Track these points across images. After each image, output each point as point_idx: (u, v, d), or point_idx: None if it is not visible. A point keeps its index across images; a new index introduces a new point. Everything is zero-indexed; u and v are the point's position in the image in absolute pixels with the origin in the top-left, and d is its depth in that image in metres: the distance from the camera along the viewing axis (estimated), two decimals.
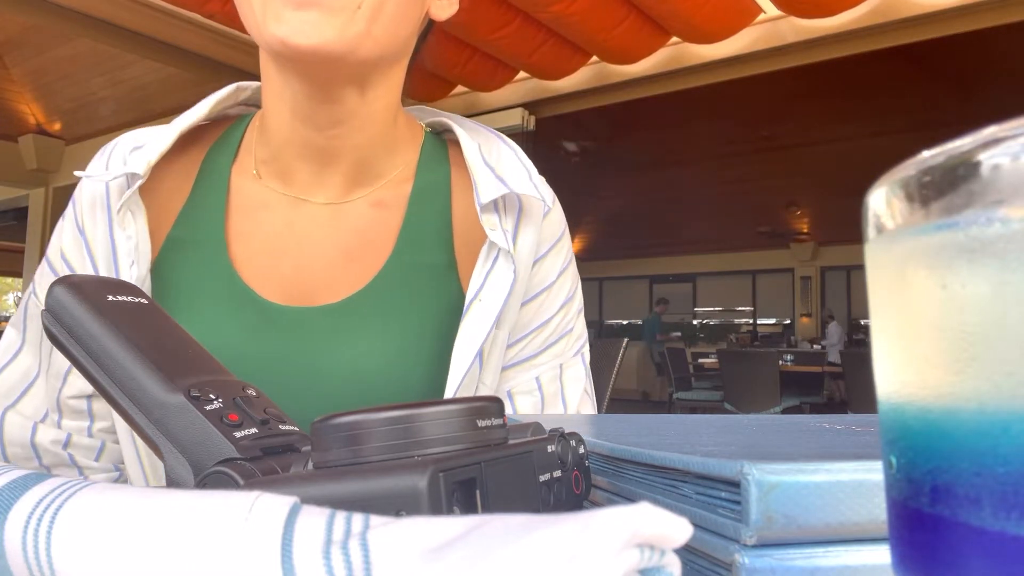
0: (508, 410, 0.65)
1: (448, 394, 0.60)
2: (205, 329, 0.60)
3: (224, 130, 0.68)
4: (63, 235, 0.66)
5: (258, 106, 0.69)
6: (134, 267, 0.60)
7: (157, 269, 0.62)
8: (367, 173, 0.64)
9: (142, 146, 0.63)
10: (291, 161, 0.63)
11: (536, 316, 0.66)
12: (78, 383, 0.66)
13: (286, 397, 0.58)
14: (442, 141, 0.70)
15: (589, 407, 0.69)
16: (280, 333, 0.60)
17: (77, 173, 0.63)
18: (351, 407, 0.61)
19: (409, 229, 0.64)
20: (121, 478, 0.70)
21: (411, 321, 0.61)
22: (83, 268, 0.64)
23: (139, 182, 0.60)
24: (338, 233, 0.63)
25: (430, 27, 0.66)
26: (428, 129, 0.71)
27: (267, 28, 0.54)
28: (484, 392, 0.63)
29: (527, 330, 0.66)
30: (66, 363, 0.65)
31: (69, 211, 0.66)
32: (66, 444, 0.66)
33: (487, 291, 0.60)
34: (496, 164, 0.64)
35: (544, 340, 0.67)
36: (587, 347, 0.71)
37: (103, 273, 0.62)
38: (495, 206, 0.62)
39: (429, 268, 0.63)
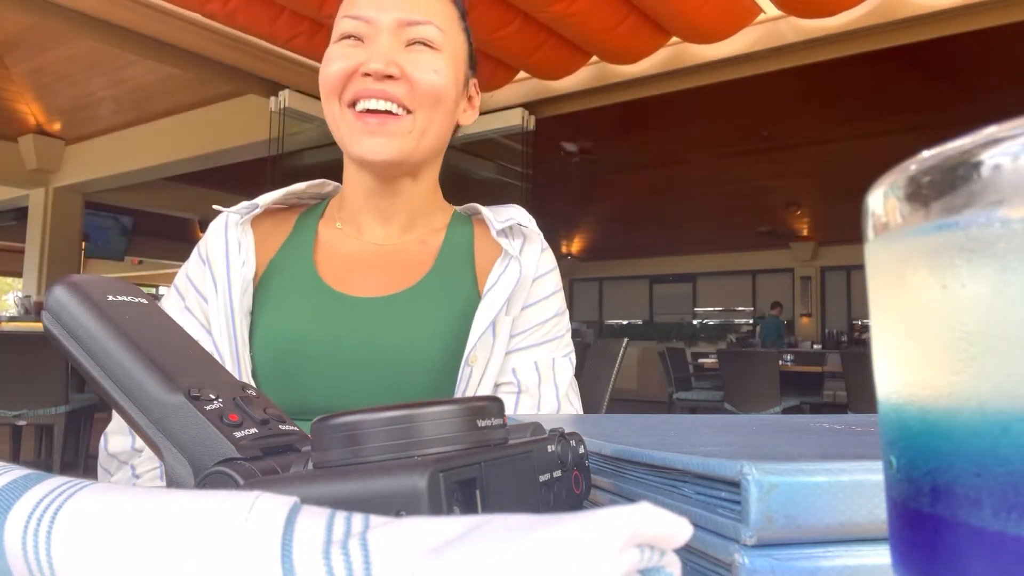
0: (512, 380, 0.85)
1: (466, 353, 0.81)
2: (294, 314, 0.83)
3: (309, 207, 0.96)
4: (189, 265, 0.88)
5: (324, 199, 0.98)
6: (245, 266, 0.84)
7: (261, 282, 0.86)
8: (414, 224, 0.92)
9: (254, 201, 0.89)
10: (362, 218, 0.91)
11: (535, 316, 0.89)
12: None
13: (350, 359, 0.83)
14: (467, 217, 0.99)
15: (574, 397, 0.90)
16: (350, 314, 0.85)
17: (216, 207, 0.91)
18: (397, 368, 0.80)
19: (444, 255, 0.91)
20: None
21: (443, 310, 0.86)
22: (203, 284, 0.85)
23: (257, 210, 0.87)
24: (394, 256, 0.91)
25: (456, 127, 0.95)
26: (456, 209, 1.00)
27: (352, 147, 0.83)
28: (495, 364, 0.83)
29: (528, 325, 0.88)
30: None
31: (194, 253, 0.89)
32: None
33: (500, 284, 0.85)
34: (505, 215, 0.92)
35: (541, 336, 0.89)
36: (573, 355, 0.94)
37: (220, 281, 0.83)
38: (506, 234, 0.90)
39: (457, 278, 0.89)
